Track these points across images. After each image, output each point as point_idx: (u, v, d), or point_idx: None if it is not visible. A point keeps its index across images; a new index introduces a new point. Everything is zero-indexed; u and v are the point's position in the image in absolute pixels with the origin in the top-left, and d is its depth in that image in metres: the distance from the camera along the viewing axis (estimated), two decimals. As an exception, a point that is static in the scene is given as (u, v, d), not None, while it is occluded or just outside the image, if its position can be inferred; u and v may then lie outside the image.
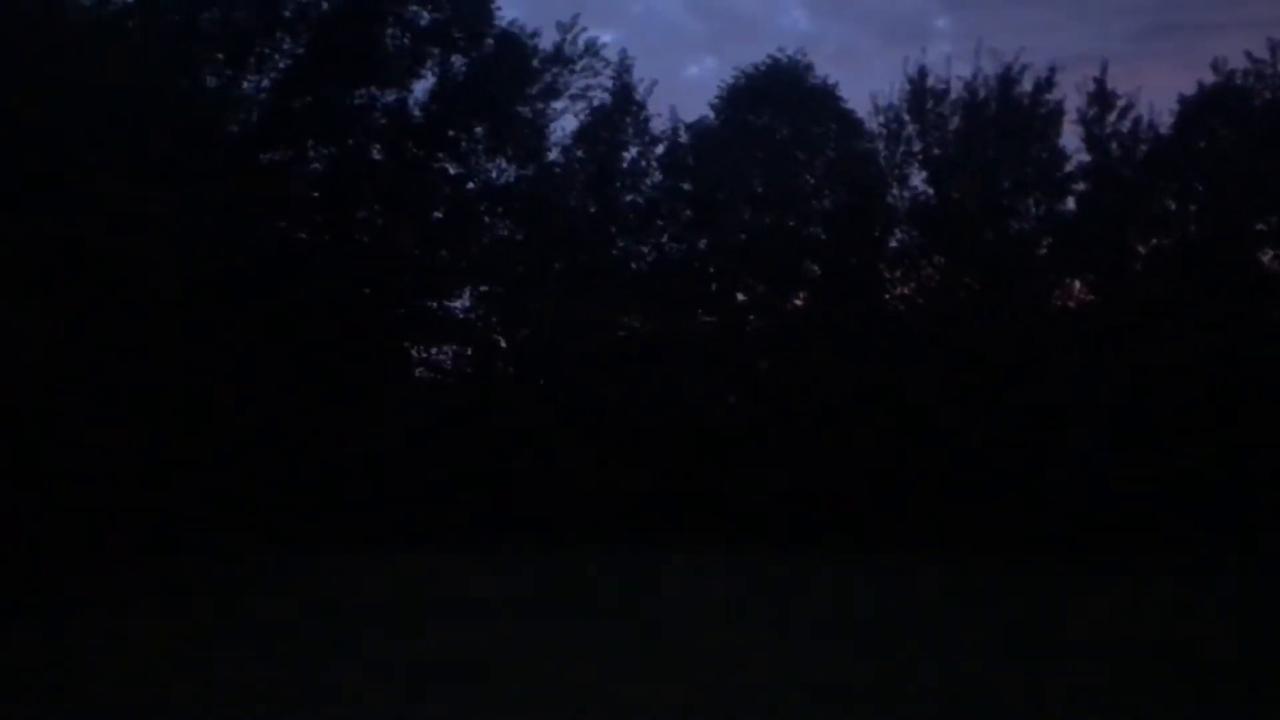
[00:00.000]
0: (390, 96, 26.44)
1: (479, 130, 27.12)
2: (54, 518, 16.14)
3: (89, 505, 16.87)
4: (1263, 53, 25.48)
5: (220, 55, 24.57)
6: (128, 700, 9.72)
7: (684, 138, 27.51)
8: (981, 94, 26.22)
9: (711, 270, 26.90)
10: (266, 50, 25.17)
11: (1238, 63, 25.63)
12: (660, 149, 27.67)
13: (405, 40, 26.20)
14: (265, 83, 25.41)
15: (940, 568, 20.30)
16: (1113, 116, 25.76)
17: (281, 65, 25.38)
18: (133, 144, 17.20)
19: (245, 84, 25.12)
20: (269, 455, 21.43)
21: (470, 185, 27.49)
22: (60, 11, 18.80)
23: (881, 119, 26.49)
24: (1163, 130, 25.81)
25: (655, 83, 27.62)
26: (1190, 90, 25.95)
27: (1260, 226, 25.66)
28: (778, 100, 26.97)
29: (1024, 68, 25.92)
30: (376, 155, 26.57)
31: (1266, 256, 25.90)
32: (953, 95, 26.27)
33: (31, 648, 11.83)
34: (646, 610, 15.27)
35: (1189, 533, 21.14)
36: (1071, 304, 26.37)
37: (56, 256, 15.27)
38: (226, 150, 22.28)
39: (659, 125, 27.52)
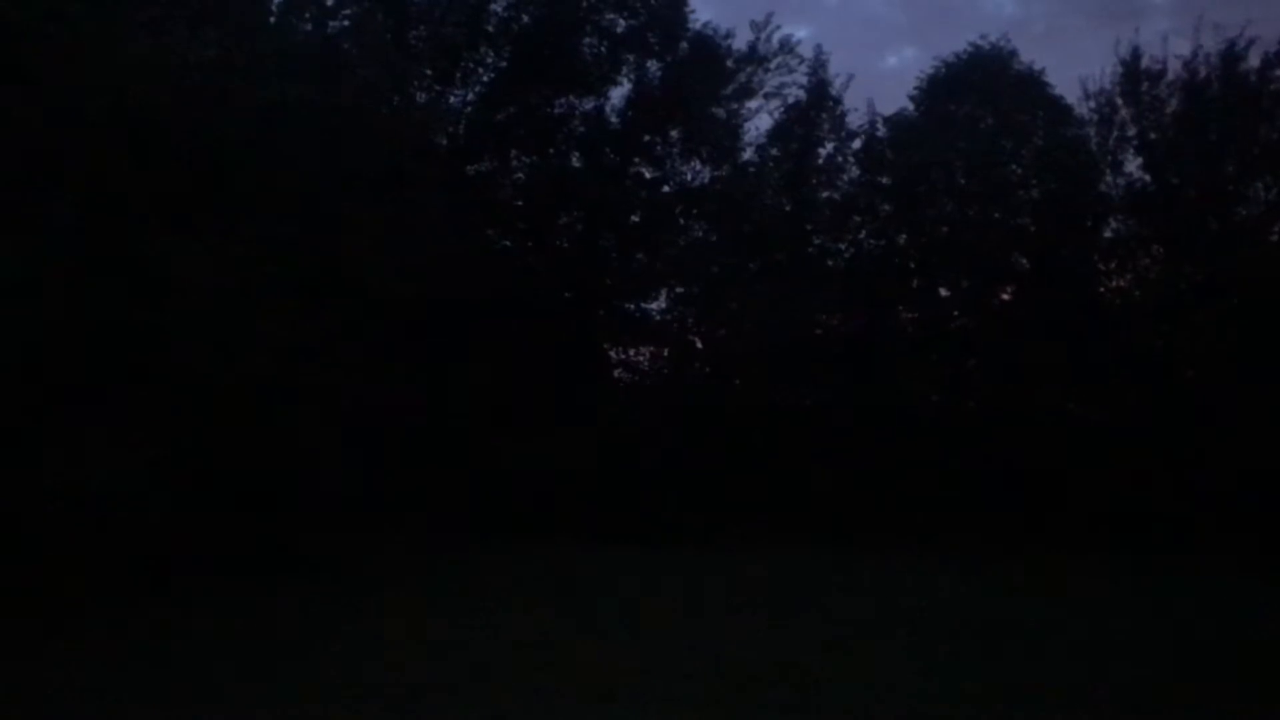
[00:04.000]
0: (588, 104, 27.08)
1: (674, 133, 27.39)
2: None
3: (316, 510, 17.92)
4: None
5: (428, 71, 25.66)
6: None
7: (881, 131, 27.05)
8: (1202, 73, 24.87)
9: (913, 266, 26.26)
10: (471, 64, 26.12)
11: None
12: (857, 143, 27.31)
13: (602, 48, 26.68)
14: (470, 96, 26.38)
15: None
16: (1351, 92, 23.89)
17: (485, 78, 26.32)
18: (351, 158, 18.14)
19: (452, 98, 26.15)
20: (482, 453, 22.30)
21: (666, 188, 27.80)
22: (279, 36, 20.08)
23: (1092, 104, 25.58)
24: None
25: (851, 77, 27.58)
26: None
27: None
28: (981, 88, 26.15)
29: (1250, 42, 24.51)
30: (576, 162, 27.17)
31: None
32: (1170, 75, 25.16)
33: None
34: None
35: None
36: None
37: (283, 264, 16.24)
38: (436, 162, 23.25)
39: (856, 120, 27.25)
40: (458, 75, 25.97)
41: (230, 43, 16.43)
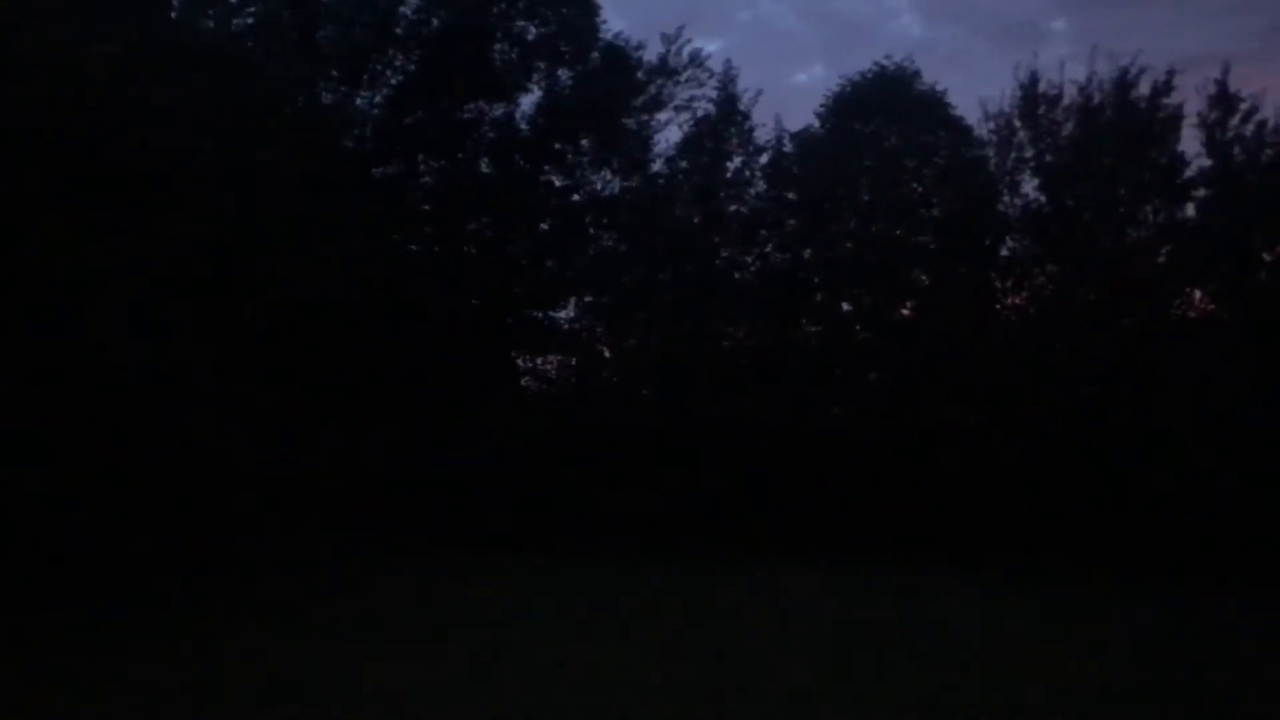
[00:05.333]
0: (499, 110, 26.94)
1: (585, 142, 27.45)
2: (176, 527, 16.65)
3: (213, 513, 17.42)
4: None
5: (335, 72, 25.32)
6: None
7: (789, 147, 27.41)
8: (1097, 98, 25.58)
9: (817, 280, 26.67)
10: (380, 67, 25.81)
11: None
12: (765, 159, 27.62)
13: (513, 55, 26.60)
14: (379, 98, 26.06)
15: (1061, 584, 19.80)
16: (1235, 120, 24.83)
17: (394, 81, 26.02)
18: (252, 158, 17.79)
19: (359, 100, 25.79)
20: (381, 461, 21.97)
21: (576, 197, 27.79)
22: (183, 32, 19.64)
23: (992, 125, 26.12)
24: (1291, 133, 24.78)
25: (760, 92, 27.81)
26: (1321, 90, 25.00)
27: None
28: (885, 108, 26.69)
29: (1141, 70, 25.26)
30: (485, 168, 27.03)
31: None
32: (1066, 100, 25.75)
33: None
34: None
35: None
36: (1193, 314, 25.48)
37: (180, 267, 15.85)
38: (342, 164, 22.93)
39: (764, 135, 27.51)
40: (365, 77, 25.64)
41: (131, 39, 16.01)
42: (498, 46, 26.46)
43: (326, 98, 24.98)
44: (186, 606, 14.82)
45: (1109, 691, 11.03)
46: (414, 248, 26.69)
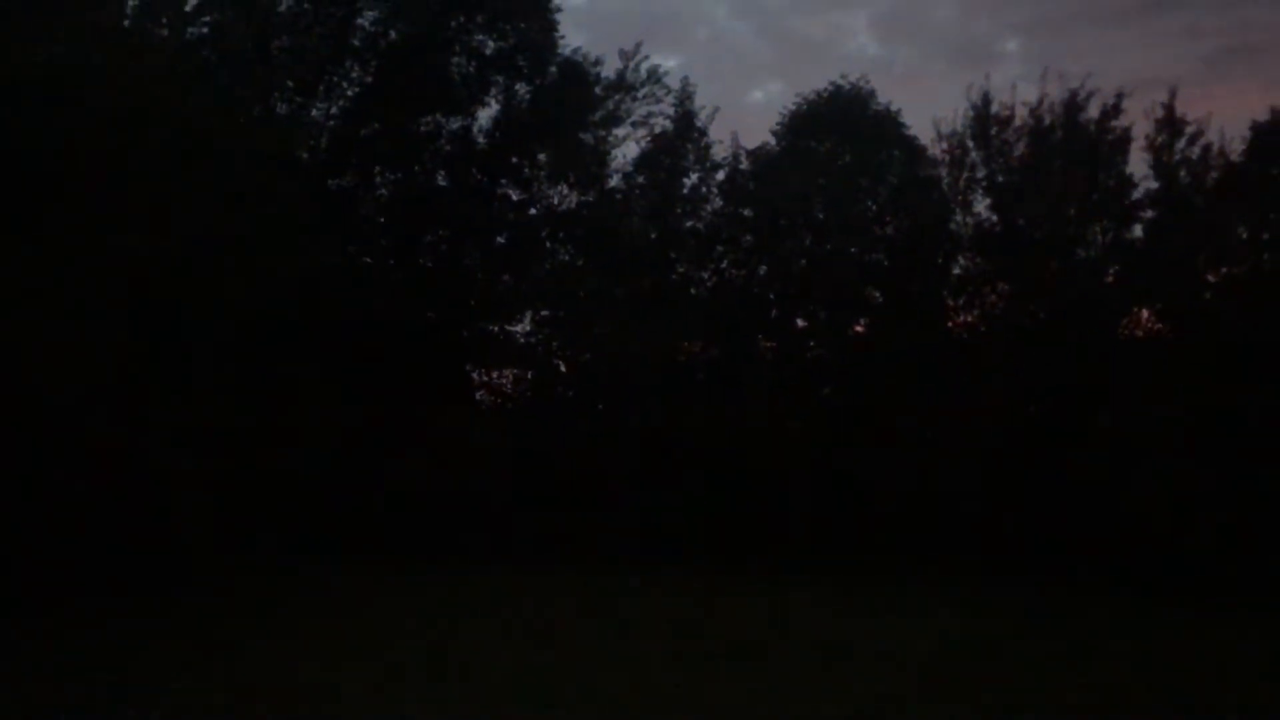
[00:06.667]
0: (455, 123, 26.84)
1: (542, 157, 27.42)
2: (121, 535, 16.42)
3: (160, 521, 17.20)
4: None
5: (290, 82, 25.15)
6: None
7: (745, 164, 27.57)
8: (1047, 120, 26.02)
9: (772, 296, 26.83)
10: (335, 78, 25.68)
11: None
12: (721, 175, 27.75)
13: (471, 68, 26.54)
14: (334, 109, 25.92)
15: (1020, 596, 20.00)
16: (1182, 143, 25.35)
17: (350, 93, 25.89)
18: (205, 168, 17.62)
19: (314, 111, 25.64)
20: (335, 473, 21.83)
21: (533, 211, 27.78)
22: (139, 40, 19.42)
23: (945, 145, 26.48)
24: (1234, 157, 25.31)
25: (717, 109, 27.87)
26: (1263, 116, 25.53)
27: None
28: (840, 126, 26.92)
29: (1091, 93, 25.75)
30: (442, 181, 26.93)
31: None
32: (1017, 121, 26.19)
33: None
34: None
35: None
36: (1139, 333, 25.90)
37: (131, 276, 15.65)
38: (296, 176, 22.76)
39: (720, 151, 27.66)
40: (321, 88, 25.48)
41: (82, 45, 15.82)
42: (455, 60, 26.40)
43: (281, 108, 24.80)
44: (122, 624, 14.59)
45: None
46: (368, 260, 26.51)
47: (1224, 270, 25.52)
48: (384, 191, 26.75)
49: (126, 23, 20.49)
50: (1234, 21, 55.14)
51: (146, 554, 16.69)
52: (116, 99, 15.76)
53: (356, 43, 25.72)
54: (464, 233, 26.73)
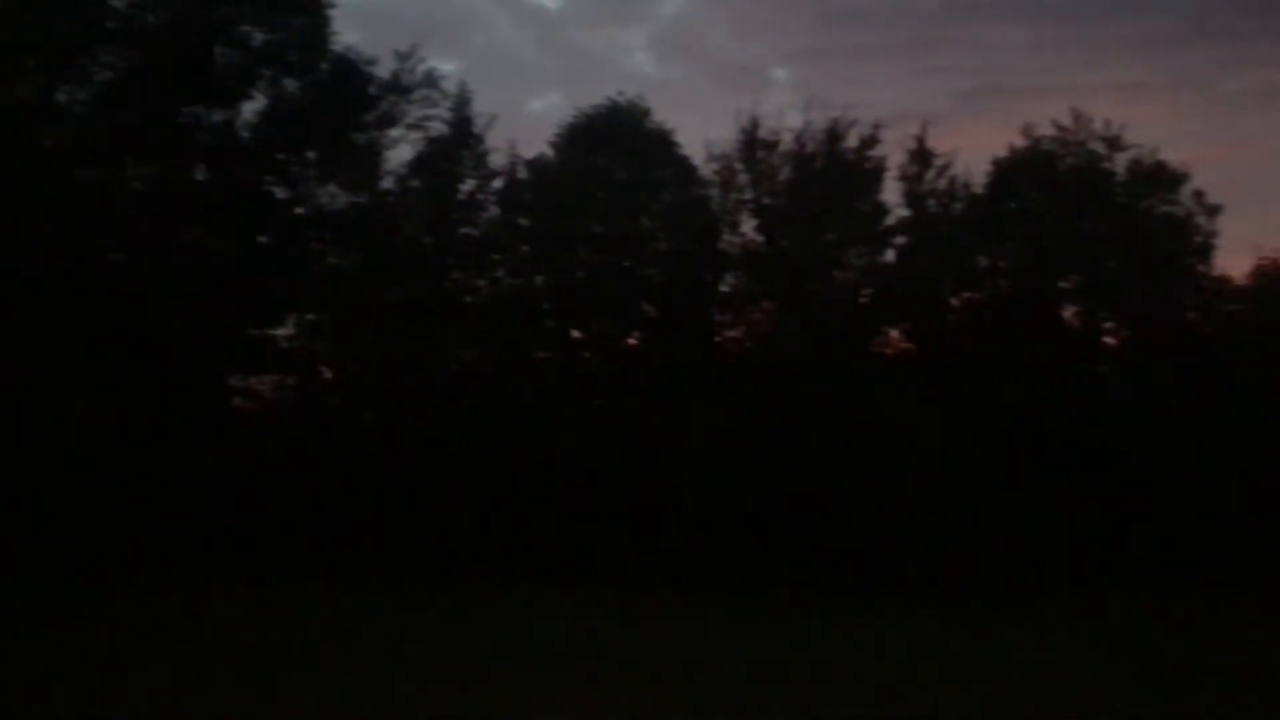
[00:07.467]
0: (218, 116, 25.55)
1: (311, 155, 26.49)
2: None
3: None
4: (1068, 120, 27.48)
5: (32, 64, 23.30)
6: None
7: (523, 173, 27.53)
8: (810, 147, 27.14)
9: (548, 307, 26.92)
10: (86, 63, 23.92)
11: (1047, 128, 27.57)
12: (498, 183, 27.61)
13: (237, 60, 25.34)
14: (84, 95, 24.15)
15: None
16: (931, 174, 27.10)
17: (102, 79, 24.17)
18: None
19: (61, 95, 23.80)
20: (80, 476, 20.38)
21: (300, 210, 26.76)
22: None
23: (715, 166, 27.20)
24: (977, 189, 27.28)
25: (495, 117, 27.51)
26: (1004, 152, 27.67)
27: (1064, 284, 27.45)
28: (617, 142, 27.30)
29: (851, 123, 27.00)
30: (202, 176, 25.58)
31: (1069, 313, 27.73)
32: (783, 147, 27.16)
33: None
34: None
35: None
36: (890, 351, 27.49)
37: None
38: (39, 163, 21.11)
39: (498, 159, 27.47)
40: (70, 73, 23.68)
41: None
42: (220, 49, 25.16)
43: (23, 91, 22.90)
44: None
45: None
46: (120, 257, 24.83)
47: (965, 295, 27.50)
48: (138, 184, 25.14)
49: None
50: (984, 63, 59.57)
51: None
52: None
53: (111, 25, 24.07)
54: (225, 231, 25.47)
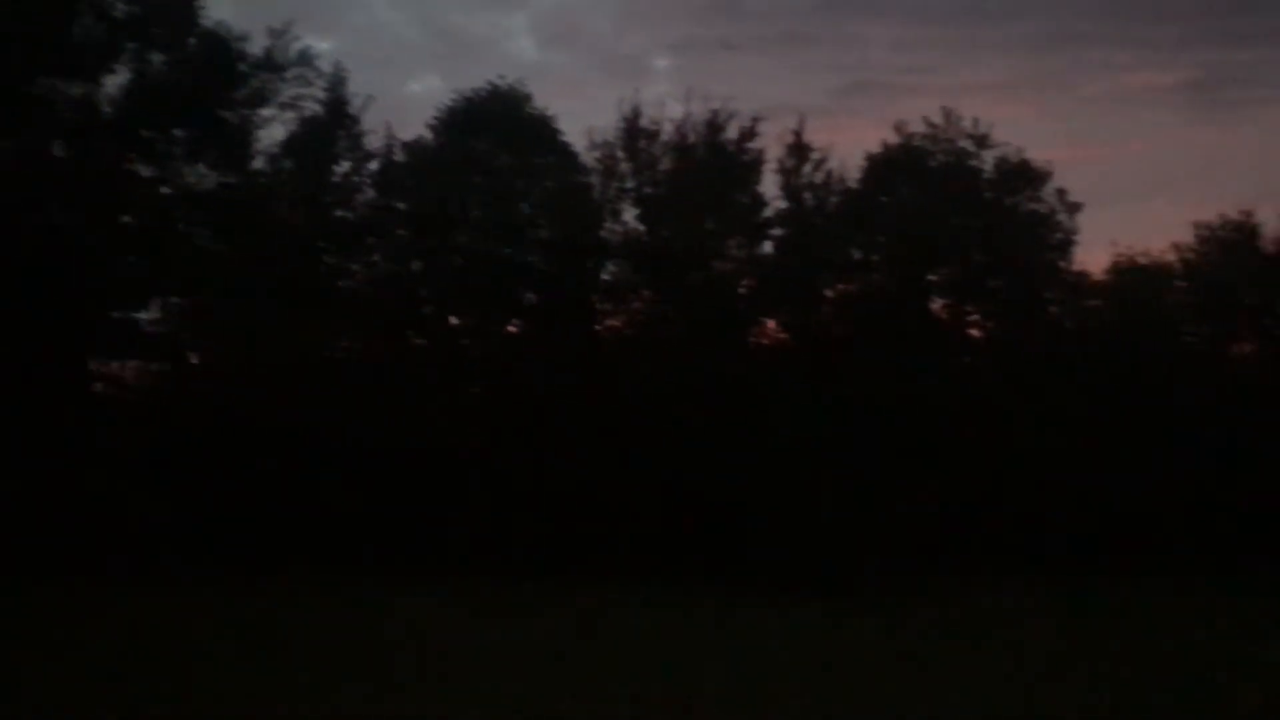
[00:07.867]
0: (77, 89, 24.36)
1: (178, 132, 25.47)
2: None
3: None
4: (939, 118, 28.24)
5: None
6: None
7: (400, 156, 27.03)
8: (691, 137, 27.30)
9: (424, 293, 26.49)
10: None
11: (919, 126, 28.27)
12: (375, 165, 27.02)
13: (98, 31, 24.19)
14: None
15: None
16: (808, 168, 27.50)
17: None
18: None
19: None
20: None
21: (166, 190, 25.72)
22: None
23: (597, 154, 27.11)
24: (852, 184, 27.82)
25: (371, 98, 26.83)
26: (877, 148, 28.28)
27: (933, 278, 28.23)
28: (498, 127, 26.99)
29: (731, 115, 27.22)
30: (59, 151, 24.40)
31: (937, 305, 28.56)
32: (664, 136, 27.25)
33: None
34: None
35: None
36: (767, 341, 27.87)
37: None
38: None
39: (374, 141, 26.88)
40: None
41: None
42: (80, 20, 23.98)
43: None
44: None
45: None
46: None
47: (840, 287, 28.04)
48: (-14, 157, 23.81)
49: None
50: (859, 60, 60.77)
51: None
52: None
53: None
54: (85, 209, 24.31)
